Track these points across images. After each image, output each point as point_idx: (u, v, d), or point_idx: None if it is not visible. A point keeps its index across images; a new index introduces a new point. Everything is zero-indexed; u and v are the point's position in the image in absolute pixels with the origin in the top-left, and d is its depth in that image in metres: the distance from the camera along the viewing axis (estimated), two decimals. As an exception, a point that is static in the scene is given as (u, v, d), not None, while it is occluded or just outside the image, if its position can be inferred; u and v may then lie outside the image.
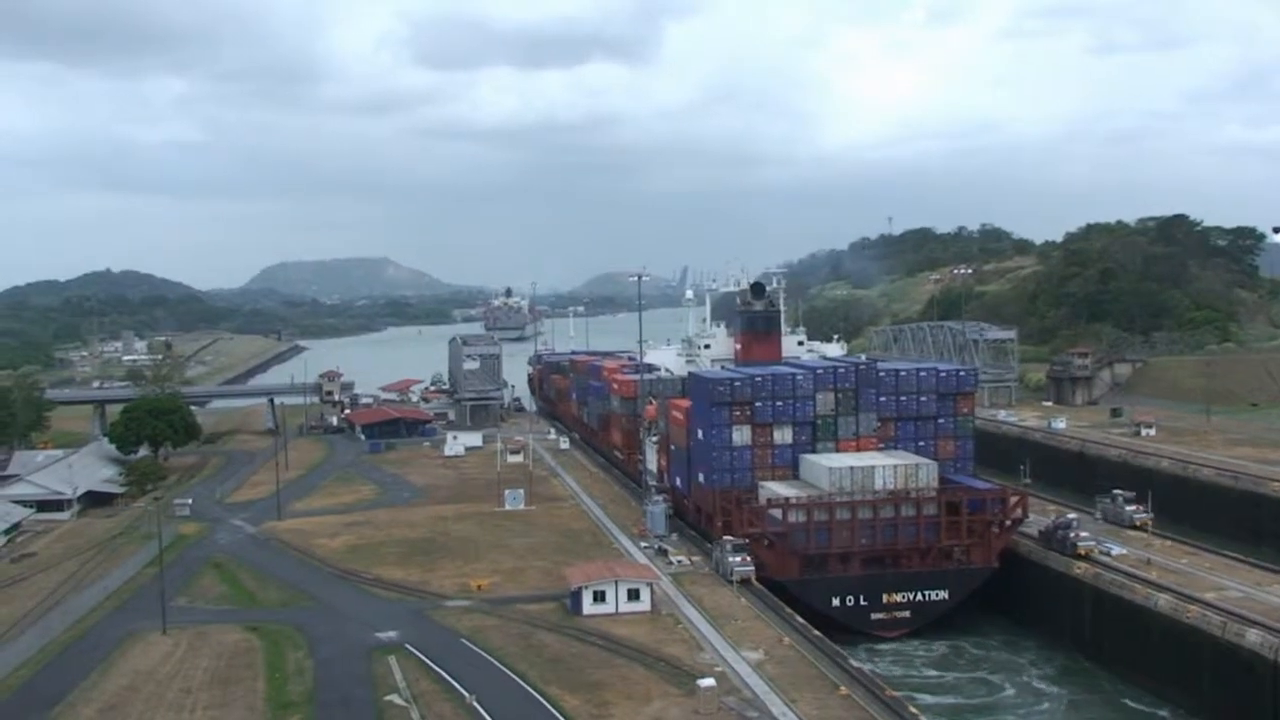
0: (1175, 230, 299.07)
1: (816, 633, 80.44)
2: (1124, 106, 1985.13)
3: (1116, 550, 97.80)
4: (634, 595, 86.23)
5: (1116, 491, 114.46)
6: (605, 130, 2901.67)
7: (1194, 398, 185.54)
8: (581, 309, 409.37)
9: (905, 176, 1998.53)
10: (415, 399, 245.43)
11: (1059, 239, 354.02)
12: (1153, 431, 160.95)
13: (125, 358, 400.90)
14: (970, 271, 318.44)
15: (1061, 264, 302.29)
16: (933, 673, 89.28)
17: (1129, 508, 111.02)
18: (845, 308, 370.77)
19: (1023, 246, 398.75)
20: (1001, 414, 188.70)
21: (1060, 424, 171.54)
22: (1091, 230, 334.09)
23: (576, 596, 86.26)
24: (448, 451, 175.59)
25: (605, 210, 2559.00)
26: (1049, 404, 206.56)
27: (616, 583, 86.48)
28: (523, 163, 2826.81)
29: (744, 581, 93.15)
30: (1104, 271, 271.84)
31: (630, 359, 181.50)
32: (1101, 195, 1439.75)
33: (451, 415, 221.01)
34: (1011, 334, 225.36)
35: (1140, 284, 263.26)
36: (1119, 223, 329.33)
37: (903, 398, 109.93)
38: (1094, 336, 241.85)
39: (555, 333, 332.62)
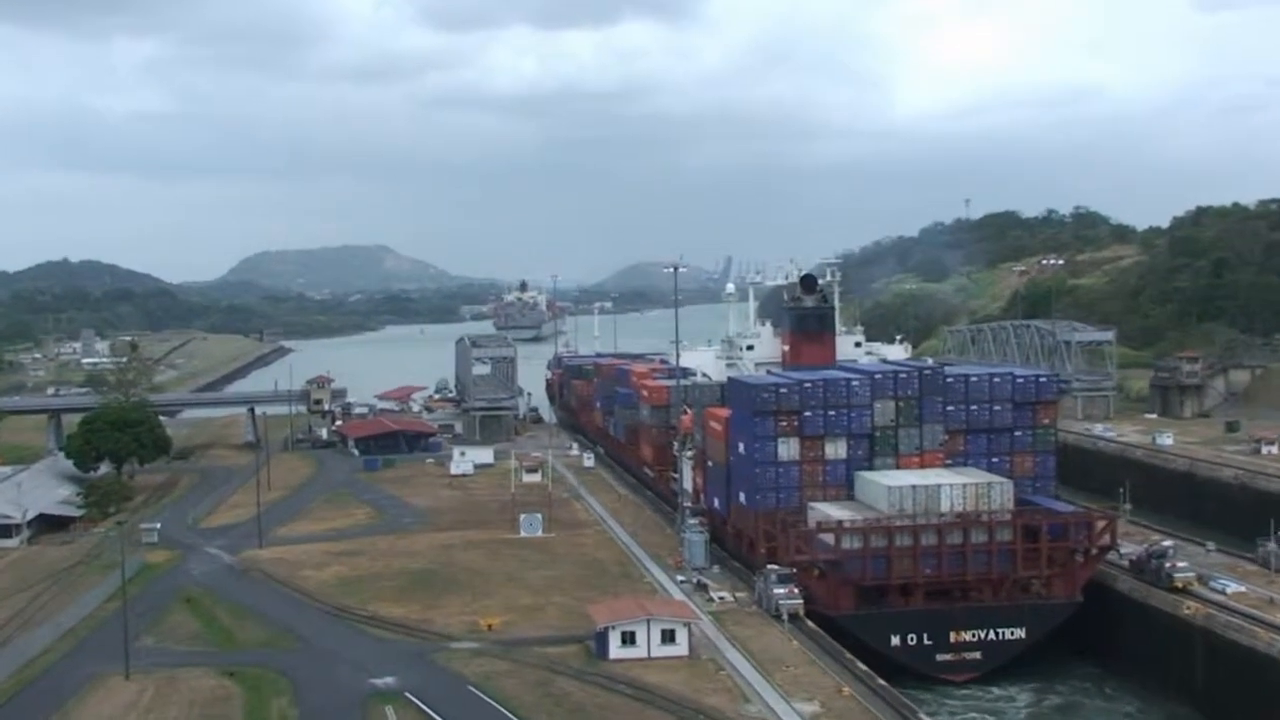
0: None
1: (881, 681, 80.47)
2: (1239, 71, 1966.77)
3: (1233, 588, 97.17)
4: (669, 637, 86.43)
5: None
6: (639, 99, 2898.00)
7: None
8: (608, 305, 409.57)
9: (986, 151, 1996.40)
10: (417, 409, 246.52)
11: (1165, 225, 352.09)
12: (1275, 449, 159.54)
13: (85, 360, 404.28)
14: (1061, 262, 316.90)
15: (1168, 254, 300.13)
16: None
17: None
18: (915, 304, 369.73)
19: (1122, 233, 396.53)
20: (1098, 428, 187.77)
21: (1167, 439, 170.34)
22: (1203, 214, 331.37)
23: (602, 638, 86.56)
24: (454, 469, 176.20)
25: (638, 191, 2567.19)
26: (1153, 416, 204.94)
27: (649, 622, 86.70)
28: (543, 136, 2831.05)
29: (794, 616, 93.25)
30: (1218, 262, 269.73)
31: (663, 362, 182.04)
32: (1214, 173, 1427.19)
33: (458, 428, 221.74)
34: (1109, 335, 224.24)
35: (1260, 277, 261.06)
36: (1235, 205, 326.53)
37: (973, 407, 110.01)
38: (1206, 338, 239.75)
39: (578, 332, 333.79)
